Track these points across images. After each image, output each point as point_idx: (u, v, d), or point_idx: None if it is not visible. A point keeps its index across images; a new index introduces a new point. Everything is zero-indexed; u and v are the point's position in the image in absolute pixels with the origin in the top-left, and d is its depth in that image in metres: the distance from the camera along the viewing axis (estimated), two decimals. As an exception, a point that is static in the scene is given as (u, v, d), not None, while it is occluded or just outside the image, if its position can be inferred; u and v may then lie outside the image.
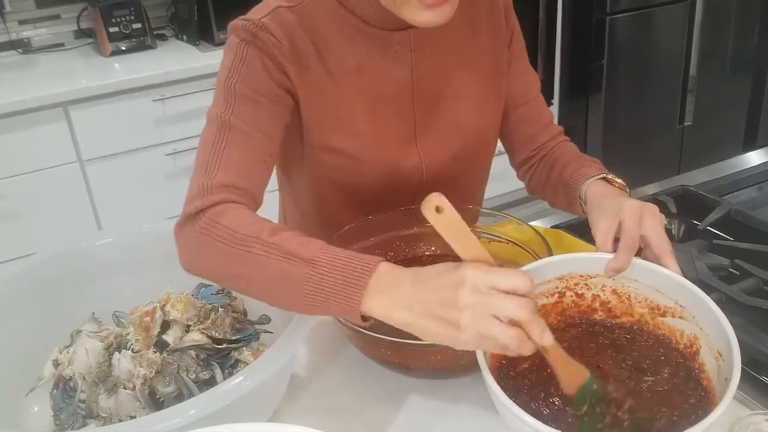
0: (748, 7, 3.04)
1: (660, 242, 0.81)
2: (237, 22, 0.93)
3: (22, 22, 2.53)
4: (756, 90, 3.21)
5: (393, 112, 1.00)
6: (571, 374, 0.72)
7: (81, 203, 2.23)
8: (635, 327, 0.84)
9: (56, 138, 2.13)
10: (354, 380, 0.92)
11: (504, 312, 0.63)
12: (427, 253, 1.09)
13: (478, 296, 0.63)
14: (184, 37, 2.54)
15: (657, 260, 0.81)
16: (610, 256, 0.82)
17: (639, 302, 0.83)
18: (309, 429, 0.59)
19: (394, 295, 0.67)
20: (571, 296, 0.85)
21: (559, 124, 3.39)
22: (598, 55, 2.84)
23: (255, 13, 0.93)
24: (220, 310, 0.92)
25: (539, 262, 0.84)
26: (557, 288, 0.85)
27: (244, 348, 0.90)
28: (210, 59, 2.30)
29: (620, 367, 0.79)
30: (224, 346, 0.88)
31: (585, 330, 0.85)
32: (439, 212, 0.66)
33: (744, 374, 0.84)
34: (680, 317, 0.79)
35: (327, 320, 1.03)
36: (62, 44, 2.57)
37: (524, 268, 0.82)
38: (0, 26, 2.47)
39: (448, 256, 1.07)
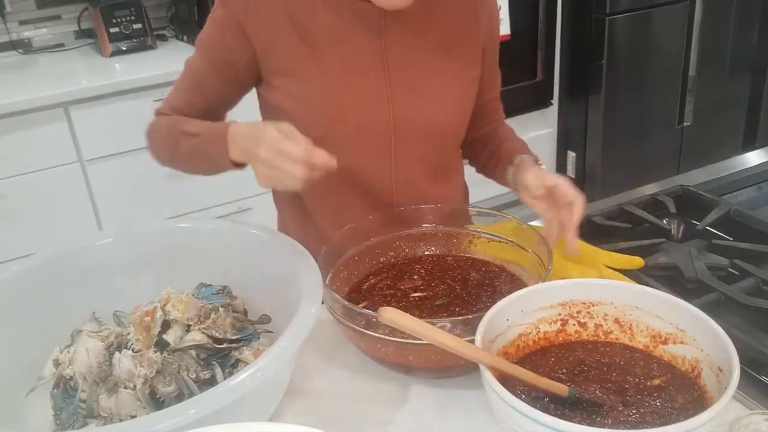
0: (747, 7, 3.05)
1: (563, 183, 0.97)
2: None
3: (22, 23, 2.53)
4: (755, 90, 3.21)
5: (364, 75, 1.05)
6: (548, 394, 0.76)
7: (81, 203, 2.23)
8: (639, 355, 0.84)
9: (57, 138, 2.13)
10: (354, 380, 0.93)
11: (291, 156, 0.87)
12: (426, 252, 1.10)
13: (272, 155, 0.88)
14: (185, 38, 2.55)
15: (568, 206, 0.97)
16: (614, 282, 0.86)
17: (641, 331, 0.83)
18: (309, 429, 0.59)
19: (238, 143, 0.97)
20: (574, 325, 0.86)
21: (559, 123, 3.37)
22: (598, 55, 2.84)
23: None
24: (221, 309, 0.92)
25: (541, 285, 0.85)
26: (560, 315, 0.86)
27: (245, 348, 0.90)
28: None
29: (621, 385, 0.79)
30: (225, 345, 0.88)
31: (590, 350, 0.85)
32: (393, 322, 0.72)
33: (744, 374, 0.84)
34: (681, 342, 0.80)
35: (327, 320, 1.03)
36: (63, 44, 2.57)
37: (526, 290, 0.83)
38: (0, 26, 2.47)
39: (447, 256, 1.08)
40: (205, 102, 1.10)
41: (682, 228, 1.22)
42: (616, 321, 0.84)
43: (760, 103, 3.21)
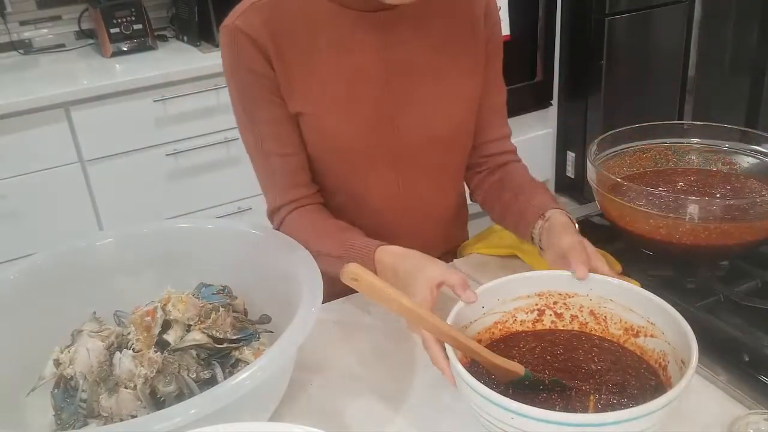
0: (747, 8, 3.05)
1: (605, 269, 0.87)
2: (221, 31, 1.00)
3: (23, 23, 2.53)
4: (754, 90, 3.21)
5: (368, 92, 1.03)
6: (504, 373, 0.77)
7: (81, 203, 2.23)
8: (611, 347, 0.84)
9: (57, 138, 2.13)
10: (354, 380, 0.93)
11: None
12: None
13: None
14: (185, 38, 2.55)
15: None
16: (590, 275, 0.85)
17: (614, 323, 0.84)
18: (309, 429, 0.59)
19: (385, 277, 0.90)
20: (551, 315, 0.87)
21: (559, 124, 3.35)
22: (598, 55, 2.84)
23: (229, 18, 1.00)
24: (221, 309, 0.92)
25: (518, 275, 0.87)
26: (536, 305, 0.87)
27: (245, 348, 0.90)
28: (210, 60, 2.30)
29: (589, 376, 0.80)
30: (225, 345, 0.89)
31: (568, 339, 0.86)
32: (356, 280, 0.75)
33: (743, 374, 0.85)
34: (651, 335, 0.81)
35: (327, 320, 1.04)
36: (63, 45, 2.57)
37: (503, 279, 0.85)
38: (1, 27, 2.47)
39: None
40: (299, 145, 1.05)
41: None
42: (591, 313, 0.86)
43: (760, 103, 3.21)
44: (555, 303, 0.87)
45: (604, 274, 0.85)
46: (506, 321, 0.87)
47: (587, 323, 0.86)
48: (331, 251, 0.98)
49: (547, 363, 0.82)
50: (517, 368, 0.77)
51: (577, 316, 0.86)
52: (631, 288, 0.83)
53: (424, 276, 0.85)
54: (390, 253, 0.93)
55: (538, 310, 0.87)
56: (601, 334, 0.85)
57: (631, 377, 0.78)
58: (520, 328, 0.87)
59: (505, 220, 1.11)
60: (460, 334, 0.76)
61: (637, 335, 0.82)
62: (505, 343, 0.85)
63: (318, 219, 1.06)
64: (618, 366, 0.80)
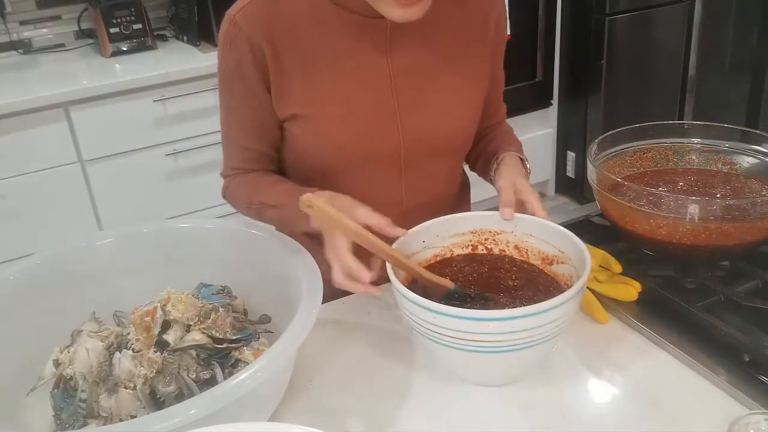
0: (747, 8, 3.05)
1: (535, 201, 0.98)
2: (224, 18, 1.01)
3: (22, 23, 2.53)
4: (755, 90, 3.21)
5: (370, 96, 1.03)
6: (437, 288, 0.90)
7: (81, 203, 2.23)
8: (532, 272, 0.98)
9: (57, 138, 2.13)
10: (354, 380, 0.93)
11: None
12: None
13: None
14: (185, 38, 2.55)
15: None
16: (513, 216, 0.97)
17: (534, 255, 0.98)
18: (309, 429, 0.59)
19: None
20: (482, 250, 1.00)
21: (559, 123, 3.35)
22: (598, 55, 2.84)
23: (233, 8, 1.01)
24: (221, 309, 0.92)
25: (455, 215, 1.00)
26: (471, 241, 1.00)
27: (245, 348, 0.90)
28: (210, 60, 2.30)
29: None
30: (225, 345, 0.89)
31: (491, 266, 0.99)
32: (310, 206, 0.86)
33: (743, 374, 0.85)
34: (562, 262, 0.94)
35: (327, 320, 1.04)
36: (63, 45, 2.57)
37: (441, 218, 0.98)
38: (1, 27, 2.47)
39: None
40: (260, 143, 1.09)
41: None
42: (516, 247, 0.99)
43: (760, 103, 3.21)
44: (486, 239, 1.00)
45: (534, 207, 0.97)
46: (444, 254, 1.00)
47: (512, 255, 0.99)
48: (269, 201, 1.05)
49: (473, 279, 0.95)
50: (448, 283, 0.91)
51: (504, 250, 1.00)
52: (547, 224, 0.96)
53: (352, 214, 0.91)
54: (325, 195, 0.97)
55: (472, 245, 1.00)
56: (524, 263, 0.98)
57: (541, 293, 0.91)
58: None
59: (477, 165, 1.21)
60: (400, 254, 0.89)
61: (551, 263, 0.96)
62: (441, 264, 0.99)
63: (256, 176, 1.12)
64: (531, 284, 0.94)
